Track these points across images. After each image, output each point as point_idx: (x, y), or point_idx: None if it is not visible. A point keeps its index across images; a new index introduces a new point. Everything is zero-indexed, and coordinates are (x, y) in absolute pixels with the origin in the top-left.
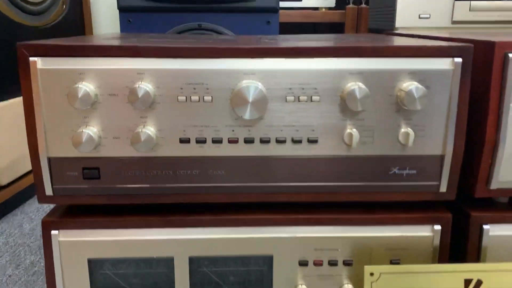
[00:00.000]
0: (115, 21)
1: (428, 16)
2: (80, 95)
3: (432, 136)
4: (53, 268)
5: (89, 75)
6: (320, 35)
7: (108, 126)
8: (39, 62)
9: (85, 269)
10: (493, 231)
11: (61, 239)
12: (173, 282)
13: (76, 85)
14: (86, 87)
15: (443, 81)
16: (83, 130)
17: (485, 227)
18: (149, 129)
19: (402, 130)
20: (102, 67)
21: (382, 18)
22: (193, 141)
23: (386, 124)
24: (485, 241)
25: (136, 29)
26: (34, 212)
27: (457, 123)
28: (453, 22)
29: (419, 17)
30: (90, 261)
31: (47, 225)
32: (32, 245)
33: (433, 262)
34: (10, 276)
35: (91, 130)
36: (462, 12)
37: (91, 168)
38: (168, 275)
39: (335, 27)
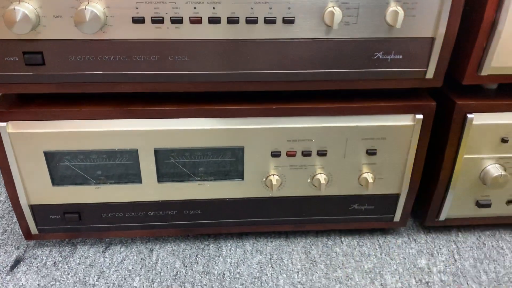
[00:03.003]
0: None
1: None
2: None
3: (423, 16)
4: (8, 161)
5: None
6: None
7: (46, 2)
8: None
9: (43, 162)
10: (477, 120)
11: (10, 131)
12: (140, 174)
13: None
14: None
15: None
16: (16, 7)
17: (469, 116)
18: (95, 6)
19: (391, 8)
20: None
21: None
22: (148, 20)
23: (373, 1)
24: (467, 130)
25: None
26: None
27: (453, 1)
28: None
29: None
30: (47, 154)
31: None
32: None
33: (411, 152)
34: None
35: (26, 7)
36: None
37: (33, 53)
38: (133, 166)
39: None
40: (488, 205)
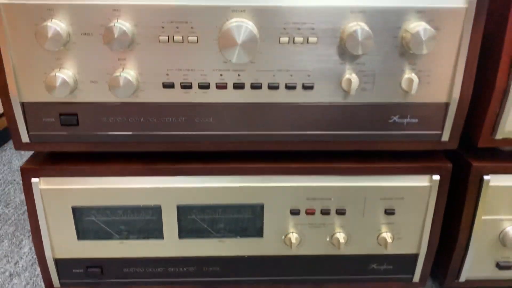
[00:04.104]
0: None
1: None
2: (50, 34)
3: (437, 83)
4: (37, 216)
5: (59, 11)
6: None
7: (84, 69)
8: None
9: (70, 217)
10: (494, 181)
11: (42, 187)
12: (162, 229)
13: (45, 23)
14: (57, 25)
15: (454, 21)
16: (57, 73)
17: (486, 177)
18: (129, 73)
19: (406, 75)
20: (74, 2)
21: None
22: (177, 86)
23: (389, 69)
24: (484, 191)
25: None
26: None
27: (466, 68)
28: None
29: None
30: (74, 209)
31: (27, 173)
32: None
33: (429, 212)
34: None
35: (66, 73)
36: None
37: (68, 114)
38: (156, 222)
39: None
40: (509, 267)
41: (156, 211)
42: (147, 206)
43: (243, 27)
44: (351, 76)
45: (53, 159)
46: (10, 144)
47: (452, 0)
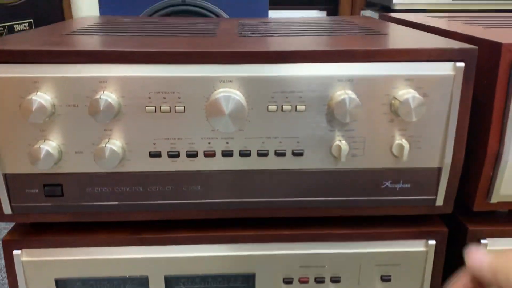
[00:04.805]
0: None
1: None
2: (34, 107)
3: (428, 148)
4: None
5: (45, 83)
6: (309, 17)
7: (69, 140)
8: None
9: None
10: (492, 245)
11: (24, 259)
12: None
13: (30, 97)
14: (41, 98)
15: (442, 88)
16: (41, 145)
17: (483, 241)
18: (115, 143)
19: (396, 141)
20: (59, 74)
21: None
22: (164, 155)
23: (379, 135)
24: None
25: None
26: None
27: (456, 133)
28: None
29: None
30: (57, 281)
31: (8, 245)
32: None
33: (426, 278)
34: None
35: (50, 144)
36: None
37: (52, 185)
38: None
39: None
40: None
41: (143, 282)
42: (134, 277)
43: (230, 97)
44: (340, 143)
45: (36, 230)
46: None
47: (440, 67)
